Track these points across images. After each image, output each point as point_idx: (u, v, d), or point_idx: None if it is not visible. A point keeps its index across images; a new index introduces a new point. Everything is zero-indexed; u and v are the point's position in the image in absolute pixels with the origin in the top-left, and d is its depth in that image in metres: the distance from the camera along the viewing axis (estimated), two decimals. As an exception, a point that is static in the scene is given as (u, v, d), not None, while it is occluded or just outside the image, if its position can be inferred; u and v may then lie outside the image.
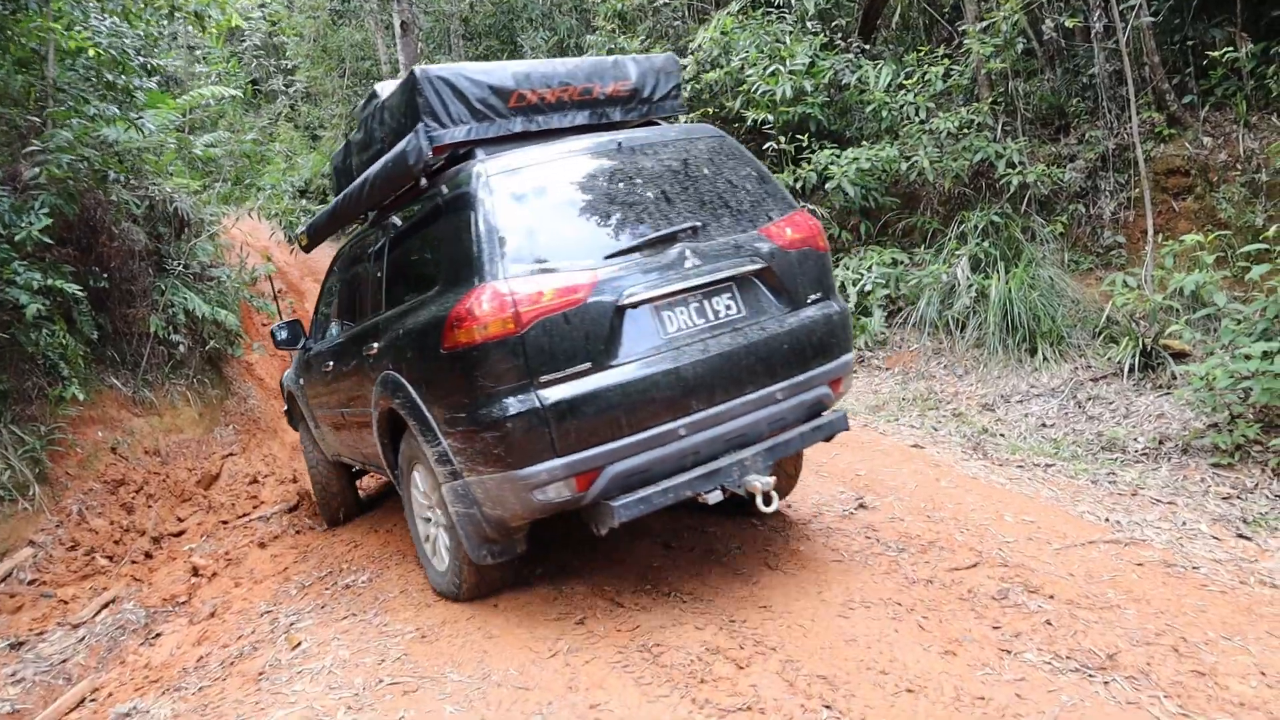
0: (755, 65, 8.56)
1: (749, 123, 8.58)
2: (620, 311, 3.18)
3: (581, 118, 4.02)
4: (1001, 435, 5.65)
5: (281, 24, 21.95)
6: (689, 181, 3.65)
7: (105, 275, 7.71)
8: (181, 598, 5.07)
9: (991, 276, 6.78)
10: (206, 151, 10.59)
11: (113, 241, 7.84)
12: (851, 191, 7.82)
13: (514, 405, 3.00)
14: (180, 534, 6.84)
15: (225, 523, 6.90)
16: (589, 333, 3.10)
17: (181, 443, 8.56)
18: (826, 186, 8.00)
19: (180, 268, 9.17)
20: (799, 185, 8.21)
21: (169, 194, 9.06)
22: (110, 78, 7.21)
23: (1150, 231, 6.25)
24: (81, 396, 6.53)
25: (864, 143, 8.18)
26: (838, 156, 8.03)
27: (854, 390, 6.91)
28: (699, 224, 3.47)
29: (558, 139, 3.73)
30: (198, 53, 15.73)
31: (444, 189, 3.54)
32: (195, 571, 5.47)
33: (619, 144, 3.63)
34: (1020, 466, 5.04)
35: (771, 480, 3.28)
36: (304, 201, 25.55)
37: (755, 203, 3.73)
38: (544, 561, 4.06)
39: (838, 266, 7.93)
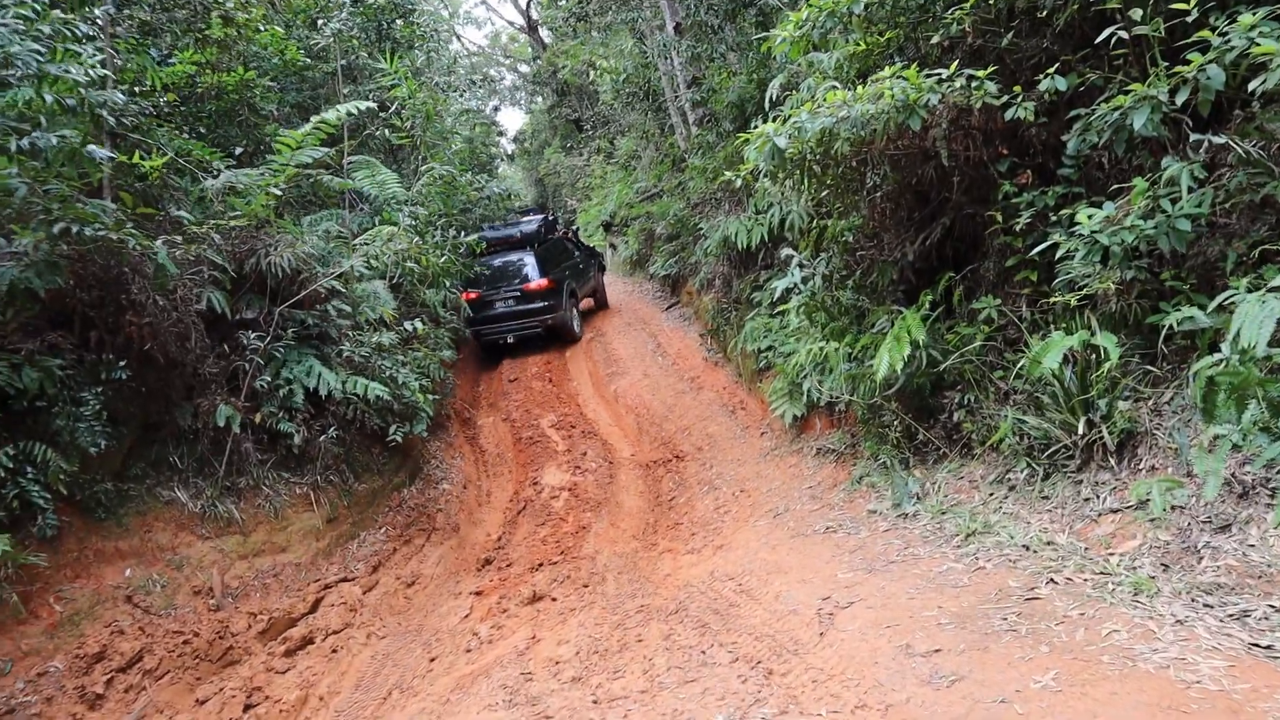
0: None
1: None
2: (488, 300, 14.23)
3: (511, 245, 15.15)
4: None
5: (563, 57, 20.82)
6: (519, 268, 14.49)
7: (124, 364, 5.98)
8: None
9: None
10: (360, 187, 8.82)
11: (143, 316, 6.05)
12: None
13: (470, 320, 14.04)
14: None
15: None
16: (481, 304, 14.17)
17: (272, 569, 6.66)
18: (1252, 93, 3.73)
19: (276, 335, 7.34)
20: (1180, 101, 3.99)
21: (265, 246, 7.23)
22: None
23: None
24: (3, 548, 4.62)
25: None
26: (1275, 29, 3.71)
27: None
28: (511, 280, 14.43)
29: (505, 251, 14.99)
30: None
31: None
32: None
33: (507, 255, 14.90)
34: None
35: (511, 338, 14.45)
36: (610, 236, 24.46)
37: (526, 276, 14.30)
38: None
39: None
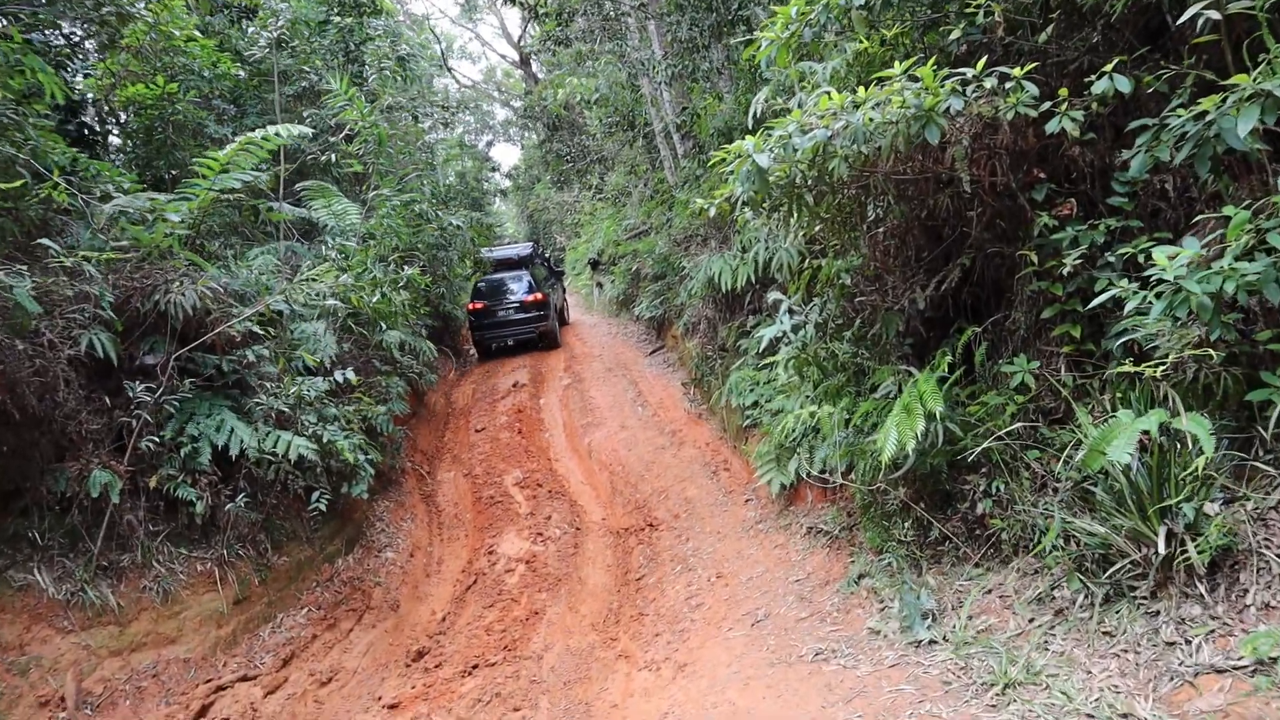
0: None
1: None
2: (491, 309, 17.31)
3: (509, 265, 18.71)
4: None
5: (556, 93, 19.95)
6: (518, 284, 17.62)
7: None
8: None
9: None
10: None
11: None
12: None
13: (474, 326, 17.58)
14: None
15: None
16: (485, 313, 17.32)
17: (154, 666, 5.52)
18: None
19: (172, 385, 6.25)
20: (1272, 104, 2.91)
21: (161, 283, 6.16)
22: None
23: None
24: None
25: None
26: None
27: None
28: (512, 294, 17.48)
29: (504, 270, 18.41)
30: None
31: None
32: None
33: (505, 274, 18.13)
34: None
35: (511, 341, 17.63)
36: (596, 275, 23.45)
37: (525, 291, 17.42)
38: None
39: None
